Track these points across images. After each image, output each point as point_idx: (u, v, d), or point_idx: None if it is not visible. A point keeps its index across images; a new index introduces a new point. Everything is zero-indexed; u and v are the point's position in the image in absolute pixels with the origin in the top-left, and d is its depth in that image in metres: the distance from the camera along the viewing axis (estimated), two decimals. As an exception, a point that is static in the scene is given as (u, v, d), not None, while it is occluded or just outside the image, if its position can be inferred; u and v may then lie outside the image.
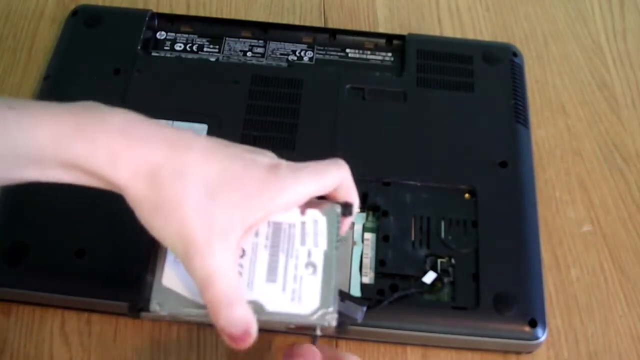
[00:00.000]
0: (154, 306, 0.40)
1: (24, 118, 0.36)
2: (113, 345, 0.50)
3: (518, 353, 0.51)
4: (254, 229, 0.41)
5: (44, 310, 0.51)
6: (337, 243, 0.42)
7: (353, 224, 0.52)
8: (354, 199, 0.43)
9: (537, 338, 0.49)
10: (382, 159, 0.55)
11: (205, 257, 0.37)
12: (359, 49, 0.64)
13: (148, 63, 0.60)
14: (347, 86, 0.60)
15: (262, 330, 0.39)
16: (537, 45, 0.68)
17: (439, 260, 0.51)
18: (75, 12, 0.64)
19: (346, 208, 0.43)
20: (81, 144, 0.37)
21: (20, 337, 0.50)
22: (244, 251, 0.41)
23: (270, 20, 0.66)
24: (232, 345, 0.39)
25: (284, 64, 0.62)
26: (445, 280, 0.50)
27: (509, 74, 0.61)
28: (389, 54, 0.64)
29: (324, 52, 0.63)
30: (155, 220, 0.38)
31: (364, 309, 0.44)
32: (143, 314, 0.40)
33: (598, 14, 0.71)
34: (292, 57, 0.63)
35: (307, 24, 0.68)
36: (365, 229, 0.53)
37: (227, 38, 0.64)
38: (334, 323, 0.40)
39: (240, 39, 0.64)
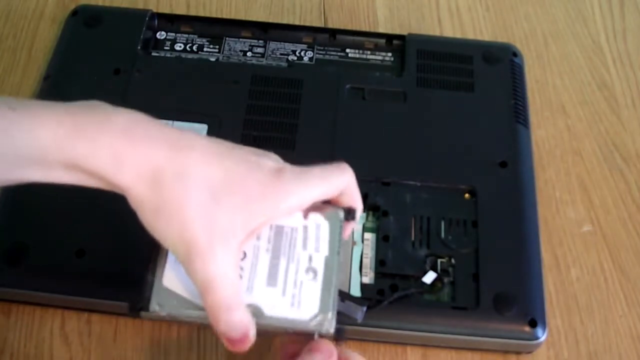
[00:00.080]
0: (154, 306, 0.40)
1: (25, 119, 0.36)
2: (113, 345, 0.50)
3: (518, 353, 0.51)
4: (256, 233, 0.40)
5: (44, 310, 0.51)
6: (339, 249, 0.42)
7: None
8: (358, 204, 0.43)
9: (537, 338, 0.49)
10: (382, 159, 0.55)
11: (207, 261, 0.37)
12: (359, 49, 0.64)
13: (148, 63, 0.60)
14: (347, 86, 0.60)
15: (260, 333, 0.39)
16: (537, 45, 0.68)
17: (439, 260, 0.51)
18: (75, 12, 0.64)
19: (349, 213, 0.42)
20: (83, 144, 0.37)
21: (20, 337, 0.50)
22: (245, 254, 0.41)
23: (270, 20, 0.66)
24: (230, 348, 0.39)
25: (284, 64, 0.62)
26: (445, 280, 0.50)
27: (509, 74, 0.61)
28: (389, 54, 0.64)
29: (324, 52, 0.63)
30: (157, 222, 0.38)
31: (364, 309, 0.44)
32: (143, 313, 0.40)
33: (598, 14, 0.71)
34: (292, 57, 0.63)
35: (307, 24, 0.68)
36: (365, 229, 0.53)
37: (227, 38, 0.64)
38: (332, 330, 0.40)
39: (240, 39, 0.64)
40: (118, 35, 0.62)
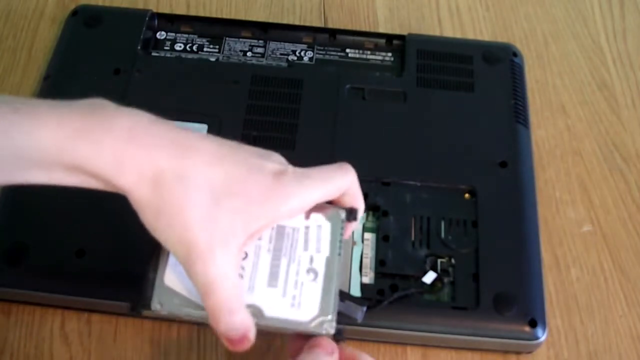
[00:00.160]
0: (155, 305, 0.40)
1: (27, 120, 0.36)
2: (113, 345, 0.50)
3: (518, 353, 0.51)
4: (257, 235, 0.40)
5: (44, 310, 0.51)
6: (340, 250, 0.42)
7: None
8: (360, 205, 0.43)
9: (537, 338, 0.49)
10: (382, 159, 0.55)
11: (207, 264, 0.37)
12: (359, 49, 0.64)
13: (148, 63, 0.60)
14: (347, 86, 0.60)
15: (260, 333, 0.39)
16: (537, 45, 0.68)
17: (439, 260, 0.51)
18: (75, 12, 0.64)
19: (351, 213, 0.42)
20: (85, 147, 0.37)
21: (20, 337, 0.50)
22: (246, 254, 0.41)
23: (270, 20, 0.66)
24: (230, 348, 0.39)
25: (284, 64, 0.62)
26: (445, 280, 0.50)
27: (509, 74, 0.61)
28: (389, 54, 0.64)
29: (324, 52, 0.63)
30: (158, 224, 0.38)
31: (364, 309, 0.44)
32: (144, 312, 0.40)
33: (598, 14, 0.71)
34: (292, 57, 0.63)
35: (307, 24, 0.68)
36: (365, 229, 0.53)
37: (227, 38, 0.64)
38: (332, 331, 0.40)
39: (240, 39, 0.64)
40: (118, 35, 0.62)
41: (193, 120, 0.56)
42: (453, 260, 0.51)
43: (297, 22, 0.68)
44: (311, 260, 0.41)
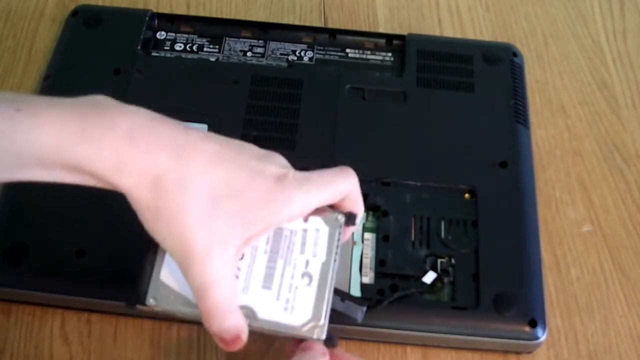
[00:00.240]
0: (150, 300, 0.40)
1: (29, 119, 0.36)
2: (113, 345, 0.50)
3: (518, 353, 0.51)
4: (256, 239, 0.40)
5: (44, 310, 0.51)
6: (337, 255, 0.41)
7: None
8: (359, 209, 0.43)
9: (537, 338, 0.49)
10: (382, 159, 0.55)
11: (204, 267, 0.37)
12: (359, 49, 0.64)
13: (148, 63, 0.60)
14: (347, 86, 0.60)
15: (257, 334, 0.40)
16: (537, 45, 0.68)
17: (439, 260, 0.51)
18: (75, 12, 0.64)
19: (350, 218, 0.42)
20: (86, 147, 0.37)
21: (20, 337, 0.50)
22: (242, 254, 0.41)
23: (270, 20, 0.66)
24: (223, 348, 0.39)
25: (284, 64, 0.62)
26: (445, 280, 0.50)
27: (509, 74, 0.61)
28: (389, 54, 0.64)
29: (324, 52, 0.63)
30: (156, 225, 0.38)
31: (364, 309, 0.44)
32: (139, 307, 0.40)
33: (598, 14, 0.71)
34: (292, 57, 0.63)
35: (307, 24, 0.68)
36: (365, 229, 0.53)
37: (227, 38, 0.64)
38: (322, 337, 0.40)
39: (240, 39, 0.64)
40: (118, 35, 0.62)
41: (193, 120, 0.56)
42: (453, 260, 0.51)
43: (297, 22, 0.68)
44: (307, 264, 0.41)
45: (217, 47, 0.63)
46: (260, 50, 0.63)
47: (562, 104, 0.64)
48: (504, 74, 0.61)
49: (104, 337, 0.50)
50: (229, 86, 0.59)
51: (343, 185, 0.41)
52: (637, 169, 0.61)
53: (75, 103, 0.38)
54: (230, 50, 0.63)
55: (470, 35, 0.68)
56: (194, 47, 0.63)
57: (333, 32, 0.64)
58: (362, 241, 0.52)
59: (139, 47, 0.61)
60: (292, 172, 0.40)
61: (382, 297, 0.49)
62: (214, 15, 0.68)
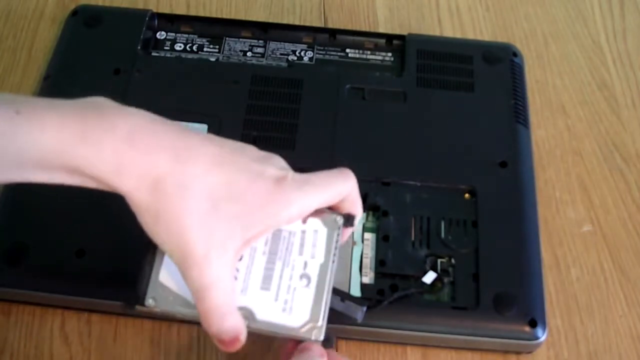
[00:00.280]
0: (149, 301, 0.40)
1: (29, 122, 0.36)
2: (113, 345, 0.50)
3: (518, 353, 0.51)
4: (255, 241, 0.40)
5: (44, 310, 0.51)
6: (335, 257, 0.42)
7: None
8: (358, 211, 0.43)
9: (537, 338, 0.49)
10: (382, 159, 0.55)
11: (203, 270, 0.37)
12: (359, 49, 0.64)
13: (148, 63, 0.60)
14: (347, 86, 0.60)
15: (253, 335, 0.40)
16: (537, 45, 0.68)
17: (439, 260, 0.51)
18: (75, 12, 0.64)
19: (348, 219, 0.42)
20: (86, 150, 0.37)
21: (20, 337, 0.50)
22: (241, 256, 0.41)
23: (270, 20, 0.66)
24: (221, 348, 0.40)
25: (284, 64, 0.62)
26: (445, 280, 0.50)
27: (509, 74, 0.61)
28: (389, 54, 0.64)
29: (324, 52, 0.63)
30: (156, 228, 0.38)
31: (364, 309, 0.44)
32: (138, 307, 0.40)
33: (598, 14, 0.71)
34: (292, 57, 0.63)
35: (307, 24, 0.68)
36: (365, 229, 0.53)
37: (227, 38, 0.64)
38: (320, 338, 0.40)
39: (240, 39, 0.64)
40: (118, 35, 0.62)
41: (193, 120, 0.56)
42: (453, 260, 0.51)
43: (297, 22, 0.68)
44: (305, 265, 0.41)
45: (217, 47, 0.63)
46: (260, 50, 0.63)
47: (562, 104, 0.64)
48: (504, 74, 0.61)
49: (104, 337, 0.50)
50: (229, 86, 0.59)
51: (342, 187, 0.41)
52: (637, 169, 0.61)
53: (75, 105, 0.38)
54: (230, 50, 0.63)
55: (470, 35, 0.68)
56: (194, 47, 0.63)
57: (333, 32, 0.64)
58: (362, 241, 0.52)
59: (139, 47, 0.61)
60: (291, 174, 0.40)
61: (382, 297, 0.49)
62: (214, 15, 0.68)
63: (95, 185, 0.38)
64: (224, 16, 0.68)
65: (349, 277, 0.50)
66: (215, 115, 0.57)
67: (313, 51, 0.63)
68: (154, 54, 0.62)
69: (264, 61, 0.62)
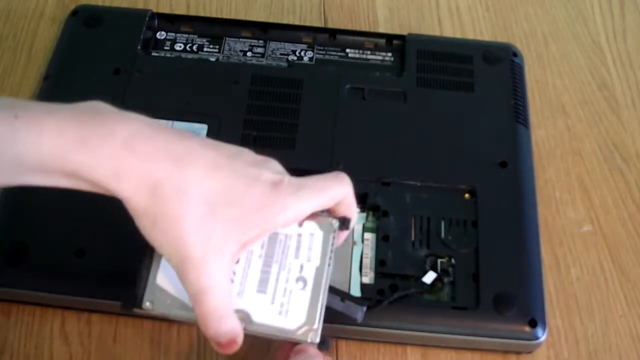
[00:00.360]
0: (146, 304, 0.40)
1: (28, 126, 0.36)
2: (113, 345, 0.50)
3: (518, 353, 0.51)
4: (251, 244, 0.41)
5: (44, 310, 0.51)
6: (331, 260, 0.42)
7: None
8: (353, 214, 0.43)
9: (537, 338, 0.49)
10: (382, 159, 0.55)
11: (200, 273, 0.38)
12: (359, 49, 0.64)
13: (148, 63, 0.60)
14: (347, 86, 0.60)
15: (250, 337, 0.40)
16: (537, 45, 0.68)
17: (439, 260, 0.51)
18: (75, 12, 0.64)
19: (344, 223, 0.43)
20: (84, 155, 0.37)
21: (20, 337, 0.50)
22: (238, 259, 0.41)
23: (270, 20, 0.66)
24: (218, 351, 0.40)
25: (284, 64, 0.62)
26: (445, 280, 0.50)
27: (509, 74, 0.61)
28: (389, 54, 0.64)
29: (324, 52, 0.63)
30: (154, 232, 0.38)
31: (364, 309, 0.44)
32: (135, 310, 0.40)
33: (598, 14, 0.71)
34: (292, 57, 0.63)
35: (307, 24, 0.68)
36: (365, 229, 0.53)
37: (227, 38, 0.64)
38: (316, 340, 0.40)
39: (240, 39, 0.64)
40: (118, 35, 0.62)
41: (193, 120, 0.56)
42: (453, 260, 0.51)
43: (297, 22, 0.68)
44: (301, 268, 0.41)
45: (217, 47, 0.63)
46: (260, 50, 0.63)
47: (562, 104, 0.64)
48: (504, 74, 0.61)
49: (104, 337, 0.50)
50: (229, 86, 0.59)
51: (337, 191, 0.42)
52: (637, 169, 0.61)
53: (74, 110, 0.38)
54: (230, 50, 0.63)
55: (470, 35, 0.68)
56: (194, 47, 0.63)
57: (333, 32, 0.64)
58: (362, 241, 0.52)
59: (139, 47, 0.61)
60: (287, 178, 0.40)
61: (382, 297, 0.49)
62: (214, 15, 0.68)
63: (93, 189, 0.38)
64: (224, 16, 0.68)
65: (349, 277, 0.50)
66: (215, 115, 0.57)
67: (313, 51, 0.63)
68: (154, 54, 0.62)
69: (264, 61, 0.62)
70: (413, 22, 0.69)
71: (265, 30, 0.64)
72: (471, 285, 0.50)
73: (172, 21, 0.65)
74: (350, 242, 0.52)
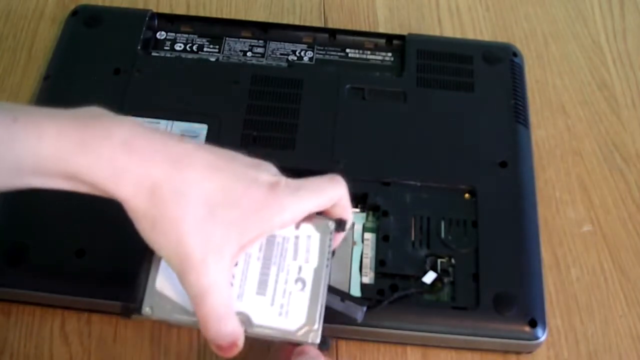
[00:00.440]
0: (146, 310, 0.40)
1: (27, 129, 0.37)
2: (113, 345, 0.50)
3: (518, 353, 0.51)
4: (250, 246, 0.41)
5: (44, 310, 0.51)
6: (328, 261, 0.42)
7: (353, 224, 0.53)
8: (349, 216, 0.44)
9: (537, 338, 0.49)
10: (382, 159, 0.55)
11: (200, 274, 0.38)
12: (359, 49, 0.64)
13: (148, 63, 0.60)
14: (347, 86, 0.60)
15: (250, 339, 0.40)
16: (537, 45, 0.68)
17: (439, 260, 0.51)
18: (75, 12, 0.64)
19: (340, 225, 0.43)
20: (83, 157, 0.37)
21: (20, 337, 0.50)
22: (236, 261, 0.41)
23: (270, 20, 0.66)
24: (218, 354, 0.40)
25: (284, 64, 0.62)
26: (445, 280, 0.50)
27: (509, 74, 0.61)
28: (389, 54, 0.64)
29: (324, 52, 0.63)
30: (153, 234, 0.38)
31: (364, 309, 0.44)
32: (134, 316, 0.40)
33: (598, 14, 0.71)
34: (292, 57, 0.63)
35: (307, 24, 0.68)
36: (365, 229, 0.53)
37: (227, 38, 0.64)
38: (317, 340, 0.40)
39: (240, 39, 0.64)
40: (118, 35, 0.62)
41: (193, 120, 0.56)
42: (453, 260, 0.51)
43: (297, 22, 0.68)
44: (300, 270, 0.42)
45: (217, 47, 0.63)
46: (260, 50, 0.63)
47: (562, 104, 0.64)
48: (504, 74, 0.61)
49: (104, 337, 0.50)
50: (229, 86, 0.59)
51: (333, 193, 0.42)
52: (637, 169, 0.61)
53: (72, 114, 0.38)
54: (230, 50, 0.63)
55: (470, 35, 0.68)
56: (194, 47, 0.63)
57: (333, 32, 0.64)
58: (362, 241, 0.52)
59: (139, 47, 0.61)
60: (284, 180, 0.40)
61: (382, 297, 0.49)
62: (214, 15, 0.68)
63: (93, 192, 0.38)
64: (224, 16, 0.68)
65: (349, 277, 0.50)
66: (215, 115, 0.57)
67: (313, 51, 0.63)
68: (154, 54, 0.62)
69: (264, 61, 0.62)
70: (413, 22, 0.69)
71: (265, 30, 0.64)
72: (471, 285, 0.50)
73: (172, 21, 0.65)
74: (350, 242, 0.52)
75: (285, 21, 0.68)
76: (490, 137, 0.57)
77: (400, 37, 0.64)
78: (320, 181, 0.42)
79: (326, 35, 0.64)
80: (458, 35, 0.68)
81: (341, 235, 0.44)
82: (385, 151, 0.56)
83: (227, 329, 0.39)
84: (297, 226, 0.42)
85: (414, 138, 0.57)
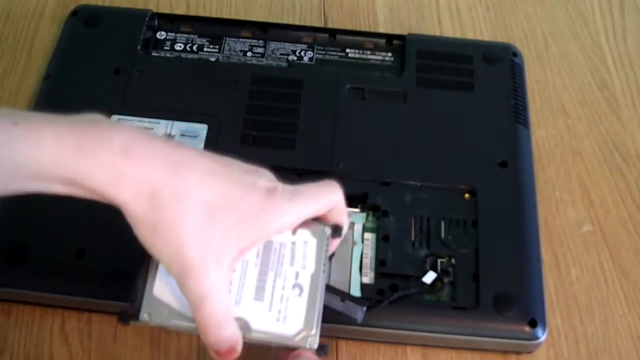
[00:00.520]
0: (144, 316, 0.40)
1: (27, 134, 0.37)
2: (113, 345, 0.50)
3: (518, 353, 0.51)
4: (248, 251, 0.41)
5: (44, 310, 0.51)
6: (325, 266, 0.42)
7: (353, 223, 0.53)
8: (345, 221, 0.44)
9: (537, 338, 0.49)
10: (382, 159, 0.55)
11: (200, 279, 0.38)
12: (359, 49, 0.64)
13: (148, 63, 0.60)
14: (347, 86, 0.60)
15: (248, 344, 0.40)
16: (537, 45, 0.68)
17: (439, 260, 0.51)
18: (75, 12, 0.64)
19: (336, 230, 0.43)
20: (83, 163, 0.37)
21: (20, 337, 0.50)
22: (235, 268, 0.41)
23: (270, 20, 0.66)
24: (217, 359, 0.40)
25: (284, 64, 0.62)
26: (445, 280, 0.50)
27: (509, 74, 0.61)
28: (389, 54, 0.64)
29: (324, 52, 0.63)
30: (152, 239, 0.38)
31: (364, 309, 0.44)
32: (132, 322, 0.40)
33: (598, 14, 0.71)
34: (292, 57, 0.63)
35: (307, 24, 0.68)
36: (365, 229, 0.53)
37: (227, 38, 0.64)
38: (315, 345, 0.41)
39: (240, 39, 0.64)
40: (118, 35, 0.62)
41: (193, 120, 0.56)
42: (453, 260, 0.51)
43: (297, 22, 0.68)
44: (297, 275, 0.42)
45: (217, 47, 0.63)
46: (260, 50, 0.63)
47: (562, 104, 0.64)
48: (504, 74, 0.61)
49: (104, 337, 0.50)
50: (229, 86, 0.59)
51: (330, 198, 0.42)
52: (637, 169, 0.61)
53: (71, 120, 0.39)
54: (230, 50, 0.63)
55: (470, 35, 0.68)
56: (194, 47, 0.63)
57: (333, 32, 0.64)
58: (362, 241, 0.52)
59: (139, 47, 0.61)
60: (281, 185, 0.41)
61: (382, 297, 0.49)
62: (214, 15, 0.68)
63: (92, 197, 0.39)
64: (224, 16, 0.68)
65: (349, 277, 0.50)
66: (215, 115, 0.57)
67: (313, 51, 0.63)
68: (154, 54, 0.62)
69: (264, 61, 0.62)
70: (413, 22, 0.69)
71: (265, 30, 0.64)
72: (471, 285, 0.50)
73: (172, 21, 0.65)
74: (350, 242, 0.52)
75: (285, 21, 0.68)
76: (490, 137, 0.57)
77: (400, 37, 0.64)
78: (316, 187, 0.42)
79: (326, 35, 0.64)
80: (458, 35, 0.68)
81: (337, 241, 0.45)
82: (385, 151, 0.56)
83: (226, 334, 0.39)
84: (294, 232, 0.43)
85: (414, 138, 0.57)
